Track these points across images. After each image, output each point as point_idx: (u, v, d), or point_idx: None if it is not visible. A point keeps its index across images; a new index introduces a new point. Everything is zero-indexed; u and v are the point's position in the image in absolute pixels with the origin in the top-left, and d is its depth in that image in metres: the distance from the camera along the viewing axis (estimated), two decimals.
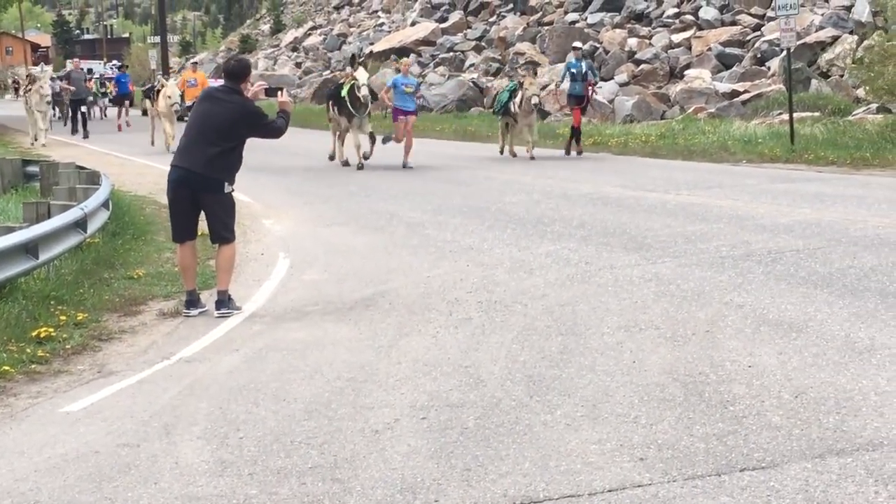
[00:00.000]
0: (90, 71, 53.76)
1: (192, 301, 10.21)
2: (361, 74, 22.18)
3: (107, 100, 51.24)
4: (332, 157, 24.25)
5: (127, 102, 43.36)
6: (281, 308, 10.20)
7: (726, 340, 8.10)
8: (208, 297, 10.38)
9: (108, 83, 51.64)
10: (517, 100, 23.74)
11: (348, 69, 24.80)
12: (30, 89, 33.43)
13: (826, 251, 11.26)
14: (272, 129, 10.23)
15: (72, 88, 38.33)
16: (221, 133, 9.85)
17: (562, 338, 8.45)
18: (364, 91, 21.88)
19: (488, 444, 6.20)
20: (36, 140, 32.90)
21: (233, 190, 10.13)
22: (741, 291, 9.65)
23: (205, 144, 9.84)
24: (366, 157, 22.76)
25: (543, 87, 31.84)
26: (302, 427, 6.68)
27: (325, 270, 11.85)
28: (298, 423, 6.77)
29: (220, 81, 10.69)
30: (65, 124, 40.94)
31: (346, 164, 23.37)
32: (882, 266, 10.38)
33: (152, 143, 30.55)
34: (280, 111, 10.25)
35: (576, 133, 24.79)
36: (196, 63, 35.50)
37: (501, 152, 24.97)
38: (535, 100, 23.32)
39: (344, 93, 22.57)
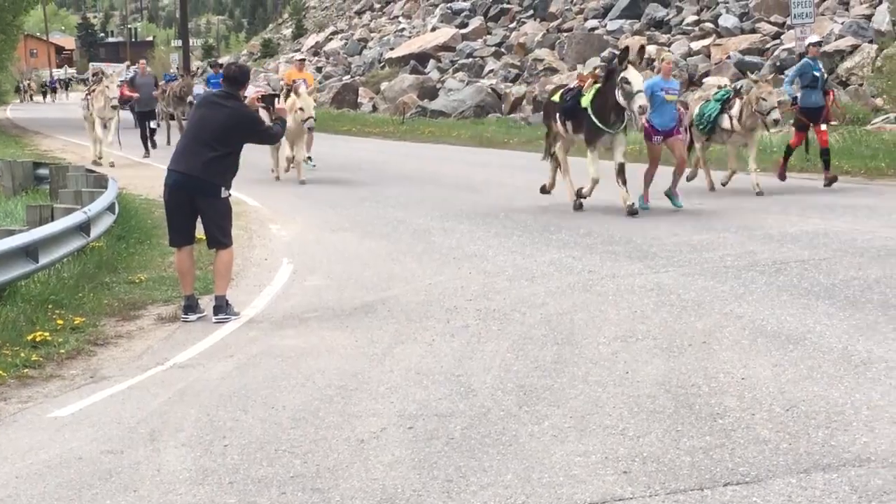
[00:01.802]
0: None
1: (191, 306, 10.18)
2: (635, 76, 14.77)
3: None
4: (546, 190, 17.03)
5: None
6: (280, 314, 10.16)
7: (722, 352, 8.01)
8: (208, 303, 10.34)
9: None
10: (734, 111, 17.56)
11: (581, 69, 18.23)
12: (93, 90, 26.63)
13: (831, 262, 11.14)
14: (268, 135, 10.48)
15: (134, 95, 29.51)
16: (218, 138, 9.86)
17: (557, 347, 8.38)
18: (642, 100, 14.68)
19: (473, 454, 6.13)
20: (100, 158, 26.02)
21: (229, 195, 10.12)
22: (742, 302, 9.55)
23: (202, 148, 9.86)
24: (633, 212, 15.33)
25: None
26: (288, 435, 6.63)
27: (327, 276, 11.81)
28: (285, 431, 6.72)
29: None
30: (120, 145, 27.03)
31: (579, 206, 16.14)
32: (886, 278, 10.24)
33: (277, 177, 20.24)
34: (276, 118, 10.42)
35: (825, 154, 18.45)
36: (303, 60, 26.66)
37: (689, 179, 17.98)
38: (775, 114, 17.19)
39: (586, 102, 15.47)
